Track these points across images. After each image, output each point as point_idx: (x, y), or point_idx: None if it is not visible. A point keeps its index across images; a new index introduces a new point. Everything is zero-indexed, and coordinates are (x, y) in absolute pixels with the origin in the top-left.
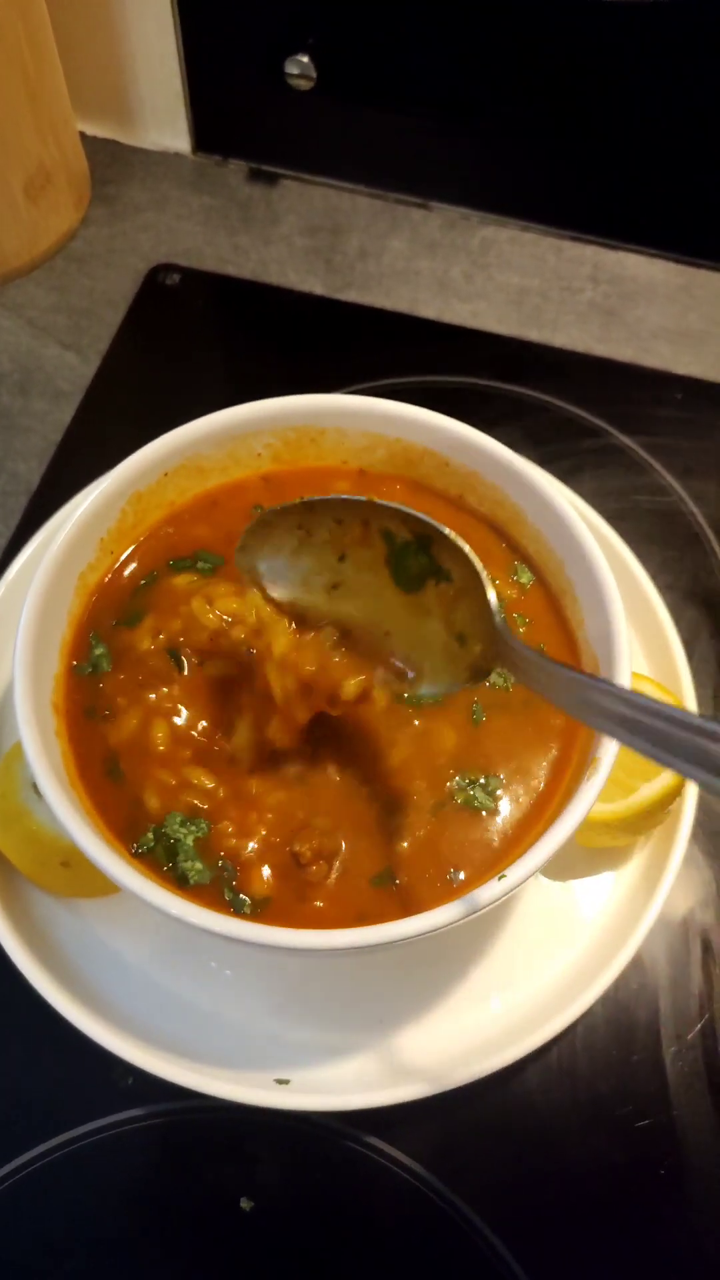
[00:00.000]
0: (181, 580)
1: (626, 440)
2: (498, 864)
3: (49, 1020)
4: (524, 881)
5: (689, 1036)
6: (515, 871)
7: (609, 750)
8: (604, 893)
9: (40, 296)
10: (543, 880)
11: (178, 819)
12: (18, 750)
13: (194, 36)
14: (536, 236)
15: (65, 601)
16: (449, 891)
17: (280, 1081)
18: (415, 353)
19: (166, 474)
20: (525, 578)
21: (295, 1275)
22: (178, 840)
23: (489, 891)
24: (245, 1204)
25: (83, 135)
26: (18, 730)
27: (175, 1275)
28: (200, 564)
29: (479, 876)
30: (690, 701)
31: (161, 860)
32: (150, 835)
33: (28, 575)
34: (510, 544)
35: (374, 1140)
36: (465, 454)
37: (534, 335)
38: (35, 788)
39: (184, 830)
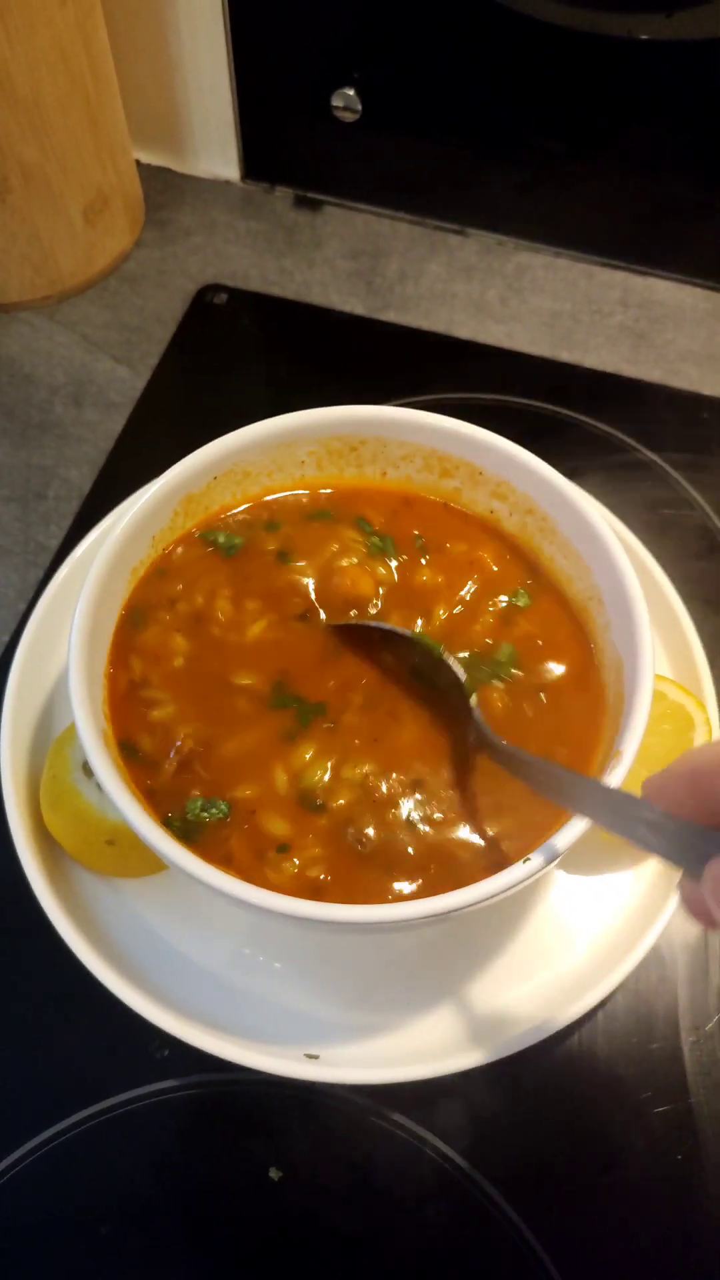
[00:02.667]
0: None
1: (654, 457)
2: (524, 851)
3: (92, 993)
4: (549, 866)
5: (707, 1027)
6: (539, 855)
7: (631, 743)
8: (624, 888)
9: (94, 314)
10: (565, 875)
11: (198, 804)
12: (69, 733)
13: (246, 70)
14: (569, 262)
15: (119, 594)
16: (478, 873)
17: (310, 1056)
18: (451, 371)
19: (216, 478)
20: (523, 601)
21: (321, 1243)
22: (200, 822)
23: (514, 873)
24: (274, 1174)
25: (138, 163)
26: (71, 714)
27: (205, 1240)
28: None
29: (507, 861)
30: (711, 704)
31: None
32: (175, 819)
33: (83, 568)
34: (535, 557)
35: (399, 1117)
36: (499, 464)
37: (566, 356)
38: (85, 769)
39: (205, 814)
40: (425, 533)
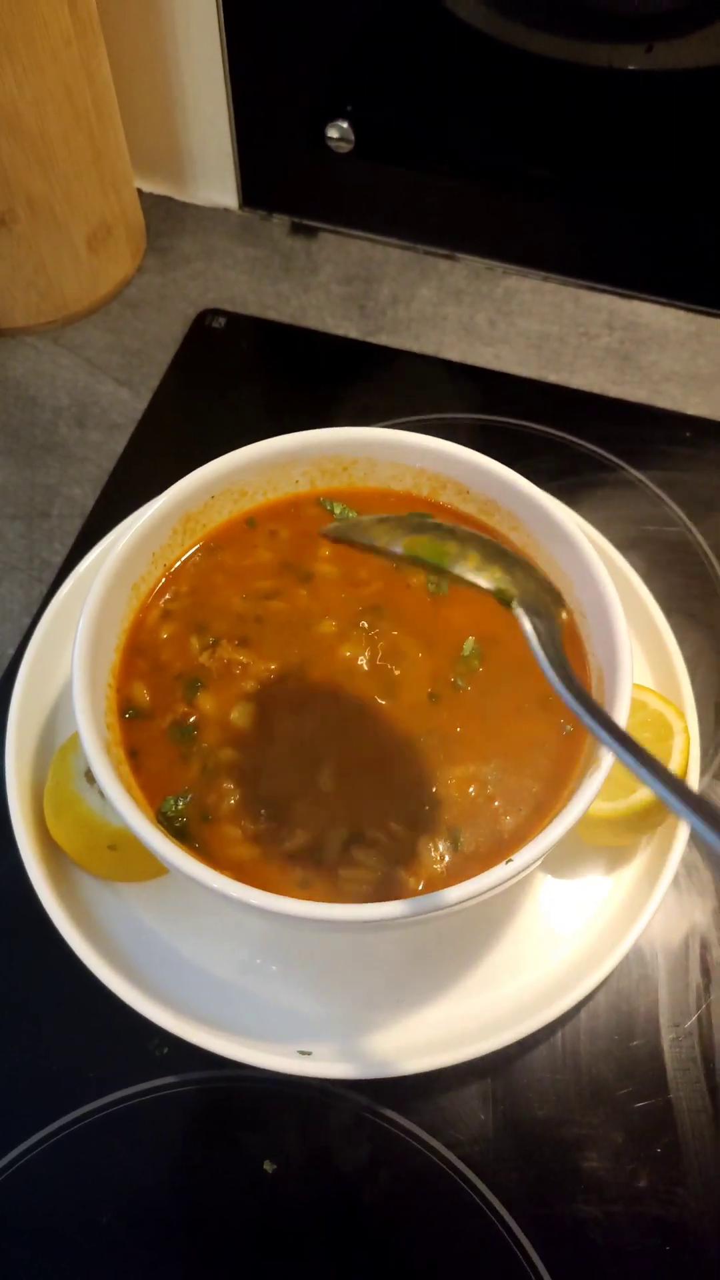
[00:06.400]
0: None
1: (639, 475)
2: (505, 854)
3: (94, 993)
4: (531, 865)
5: (686, 1025)
6: (522, 855)
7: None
8: (607, 889)
9: (97, 338)
10: (549, 879)
11: (171, 801)
12: (72, 742)
13: (244, 103)
14: (556, 286)
15: (120, 607)
16: (461, 874)
17: (303, 1053)
18: (441, 392)
19: (214, 497)
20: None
21: (313, 1232)
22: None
23: (498, 873)
24: (268, 1166)
25: (140, 192)
26: (73, 723)
27: (203, 1229)
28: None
29: (489, 863)
30: (691, 715)
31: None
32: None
33: (85, 584)
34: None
35: (388, 1111)
36: (484, 483)
37: (553, 377)
38: (87, 776)
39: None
40: None
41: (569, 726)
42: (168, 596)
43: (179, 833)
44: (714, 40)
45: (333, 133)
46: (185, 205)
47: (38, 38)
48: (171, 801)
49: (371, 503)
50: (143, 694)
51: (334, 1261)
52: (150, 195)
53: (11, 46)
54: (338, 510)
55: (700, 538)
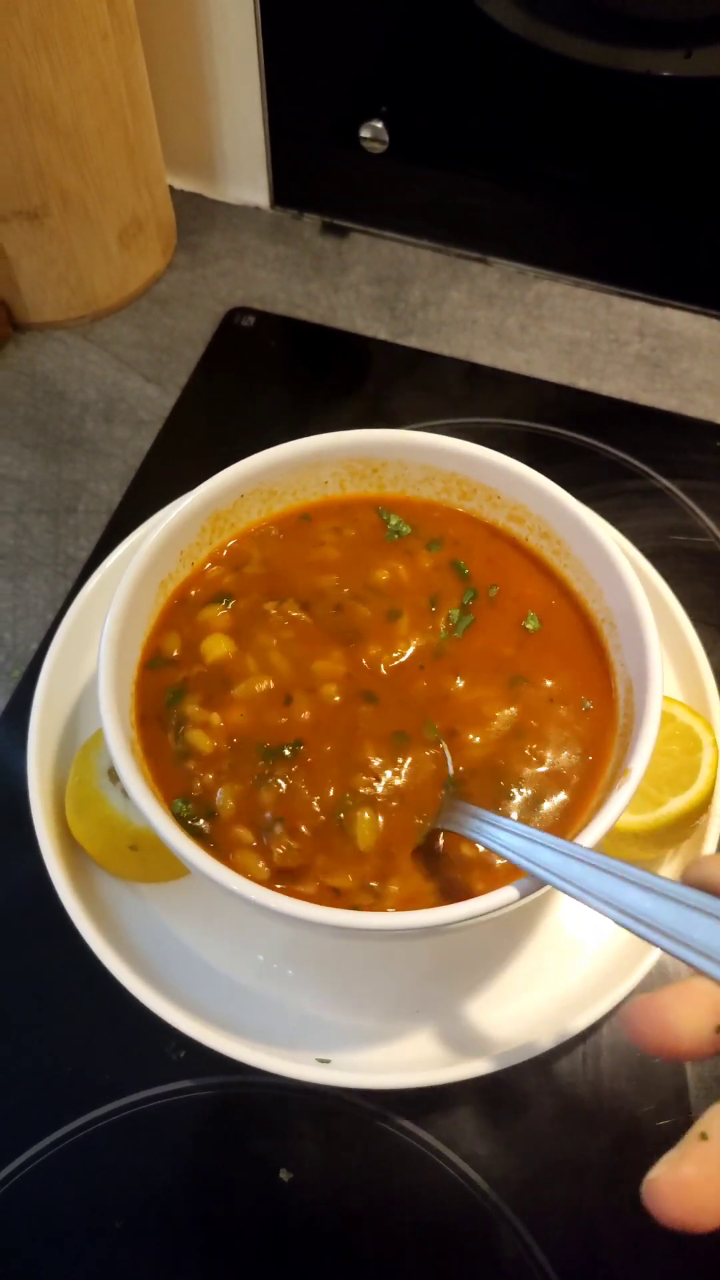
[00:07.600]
0: None
1: (668, 484)
2: None
3: (112, 994)
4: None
5: None
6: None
7: (640, 761)
8: None
9: (126, 334)
10: None
11: (178, 803)
12: (95, 740)
13: (277, 102)
14: (588, 292)
15: (147, 604)
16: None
17: (322, 1061)
18: (470, 396)
19: (243, 496)
20: (532, 625)
21: (330, 1243)
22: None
23: (523, 885)
24: (284, 1175)
25: (171, 189)
26: (98, 719)
27: (216, 1237)
28: None
29: (515, 874)
30: (718, 724)
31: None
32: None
33: (111, 580)
34: (552, 575)
35: (406, 1122)
36: (515, 488)
37: (583, 384)
38: (110, 775)
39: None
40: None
41: (589, 703)
42: (193, 593)
43: (197, 834)
44: None
45: (366, 133)
46: (216, 203)
47: (75, 32)
48: (180, 804)
49: (399, 507)
50: None
51: (348, 1271)
52: (181, 192)
53: (49, 40)
54: (393, 521)
55: None
